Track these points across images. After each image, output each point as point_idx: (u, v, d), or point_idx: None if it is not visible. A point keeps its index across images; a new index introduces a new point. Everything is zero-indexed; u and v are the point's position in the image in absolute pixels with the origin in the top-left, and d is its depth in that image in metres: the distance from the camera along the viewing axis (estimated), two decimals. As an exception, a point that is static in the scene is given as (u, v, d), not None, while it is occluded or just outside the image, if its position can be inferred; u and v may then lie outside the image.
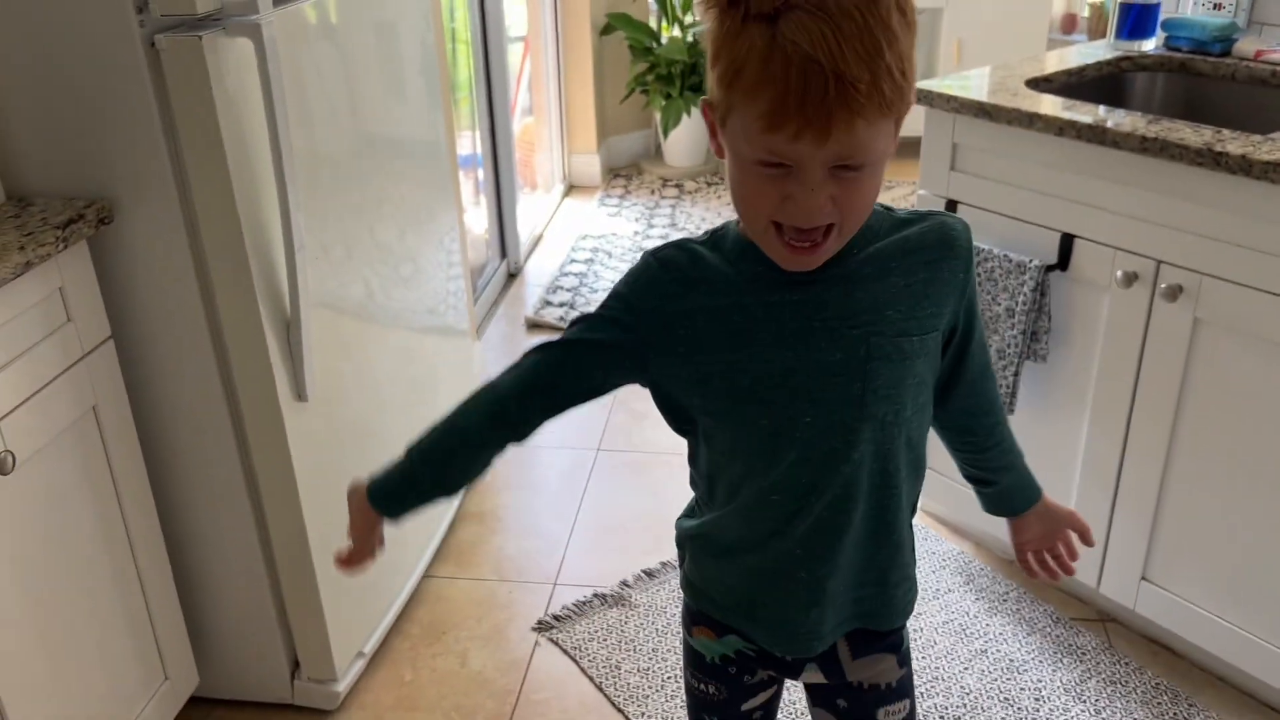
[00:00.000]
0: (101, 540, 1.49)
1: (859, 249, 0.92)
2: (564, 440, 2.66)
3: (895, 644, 1.10)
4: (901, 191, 4.27)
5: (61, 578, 1.42)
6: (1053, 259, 1.79)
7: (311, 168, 1.59)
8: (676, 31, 4.38)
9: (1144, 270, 1.68)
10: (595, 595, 2.12)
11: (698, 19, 4.35)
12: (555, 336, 0.98)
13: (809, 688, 1.16)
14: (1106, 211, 1.71)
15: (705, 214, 4.14)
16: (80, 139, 1.41)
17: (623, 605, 2.10)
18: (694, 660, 1.16)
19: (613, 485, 2.49)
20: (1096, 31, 4.44)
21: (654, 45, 4.34)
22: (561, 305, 3.37)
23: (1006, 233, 1.86)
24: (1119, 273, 1.70)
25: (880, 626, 1.08)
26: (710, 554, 1.07)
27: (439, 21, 2.54)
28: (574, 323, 0.98)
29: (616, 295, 0.97)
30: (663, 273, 0.94)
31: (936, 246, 0.94)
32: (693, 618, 1.14)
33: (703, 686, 1.16)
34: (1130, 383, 1.76)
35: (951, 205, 1.94)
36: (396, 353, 1.99)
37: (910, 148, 5.29)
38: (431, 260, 2.17)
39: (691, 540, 1.09)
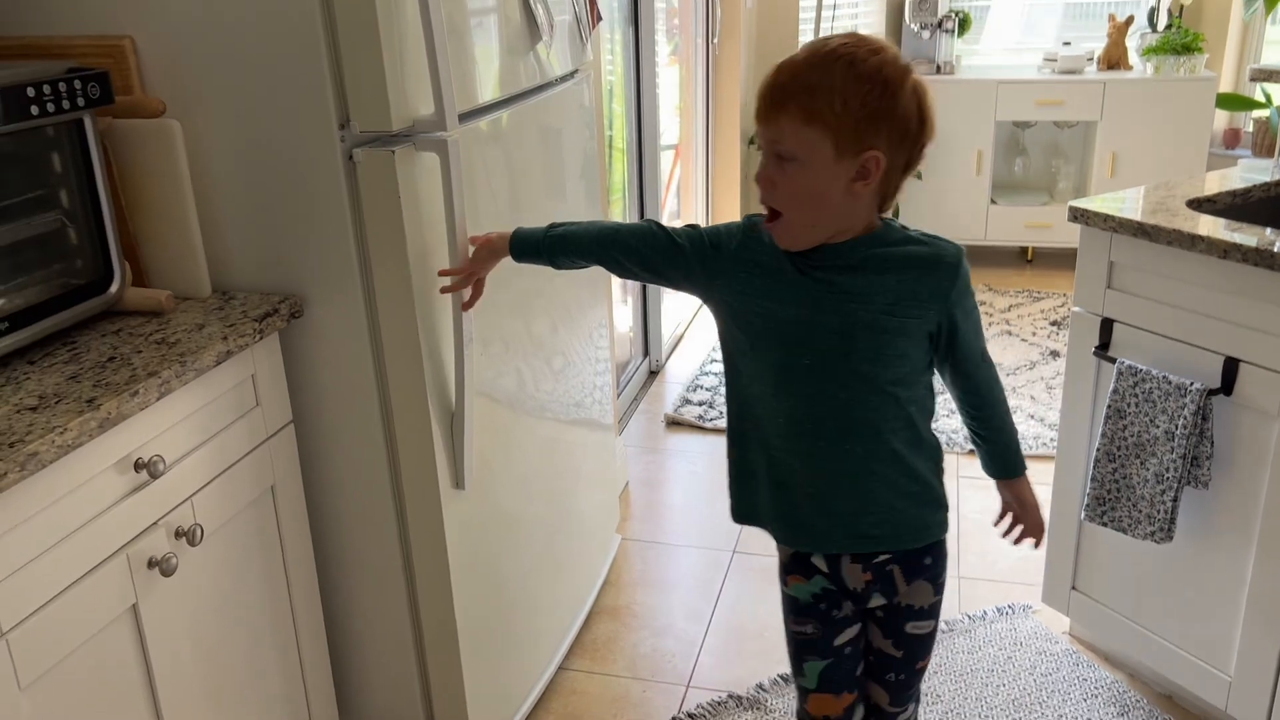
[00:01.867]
0: (269, 610, 1.59)
1: (870, 248, 1.26)
2: (700, 540, 2.68)
3: (933, 575, 1.42)
4: (1053, 303, 4.19)
5: (232, 643, 1.51)
6: (1215, 383, 1.74)
7: (480, 269, 1.69)
8: (824, 140, 4.46)
9: (1316, 398, 1.62)
10: (730, 697, 2.11)
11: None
12: (672, 224, 1.37)
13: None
14: (1274, 336, 1.66)
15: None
16: (279, 240, 1.54)
17: (758, 709, 2.08)
18: (792, 607, 1.47)
19: (748, 588, 2.48)
20: (1262, 147, 4.32)
21: (801, 153, 4.43)
22: (700, 404, 3.42)
23: (1166, 354, 1.82)
24: (1288, 400, 1.64)
25: (900, 546, 1.39)
26: (740, 479, 1.43)
27: (601, 130, 2.68)
28: (687, 227, 1.36)
29: (716, 229, 1.34)
30: (750, 230, 1.32)
31: (928, 261, 1.27)
32: (785, 569, 1.46)
33: (801, 629, 1.46)
34: (1301, 515, 1.68)
35: (1108, 324, 1.91)
36: (544, 444, 2.06)
37: (1065, 259, 5.18)
38: (581, 355, 2.25)
39: (731, 473, 1.44)
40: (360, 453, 1.64)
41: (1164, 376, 1.79)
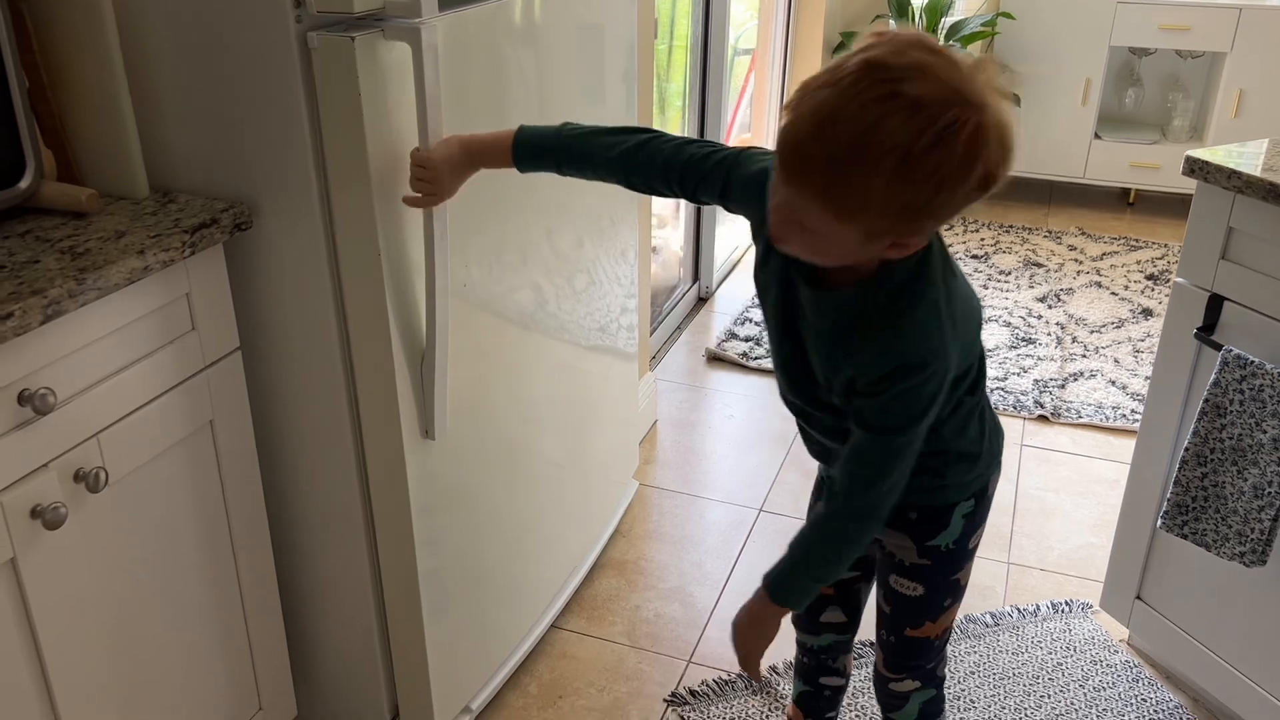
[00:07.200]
0: (205, 564, 1.40)
1: (844, 294, 1.10)
2: (726, 494, 2.45)
3: (917, 533, 1.30)
4: (1151, 254, 3.80)
5: (154, 599, 1.33)
6: (1346, 386, 1.43)
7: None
8: (915, 56, 4.06)
9: None
10: (736, 677, 1.90)
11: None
12: (742, 138, 1.13)
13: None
14: None
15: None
16: (227, 136, 1.31)
17: (768, 694, 1.87)
18: None
19: (772, 553, 2.24)
20: None
21: (888, 69, 4.04)
22: (747, 340, 3.15)
23: (1286, 344, 1.51)
24: None
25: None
26: None
27: (648, 26, 2.38)
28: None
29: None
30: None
31: (869, 335, 1.09)
32: None
33: None
34: None
35: (1216, 301, 1.60)
36: (558, 371, 1.84)
37: (1171, 206, 4.70)
38: (609, 274, 2.01)
39: None
40: (316, 392, 1.42)
41: (1281, 372, 1.48)
